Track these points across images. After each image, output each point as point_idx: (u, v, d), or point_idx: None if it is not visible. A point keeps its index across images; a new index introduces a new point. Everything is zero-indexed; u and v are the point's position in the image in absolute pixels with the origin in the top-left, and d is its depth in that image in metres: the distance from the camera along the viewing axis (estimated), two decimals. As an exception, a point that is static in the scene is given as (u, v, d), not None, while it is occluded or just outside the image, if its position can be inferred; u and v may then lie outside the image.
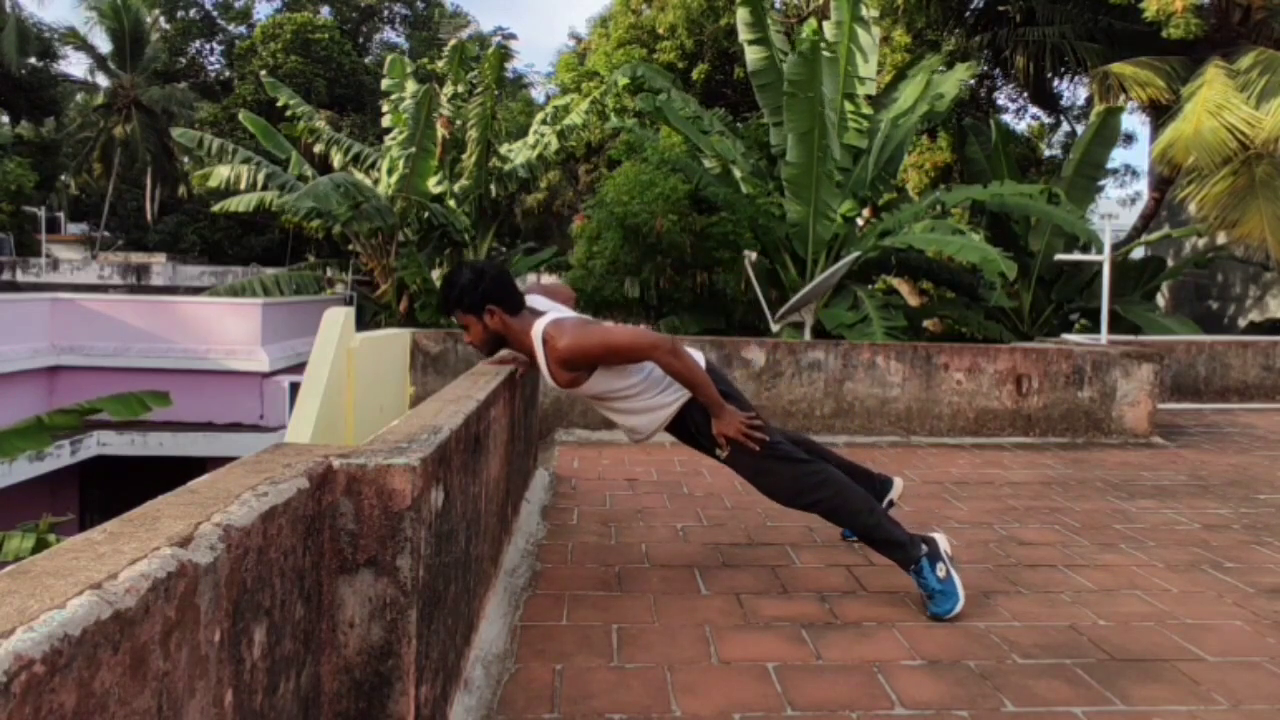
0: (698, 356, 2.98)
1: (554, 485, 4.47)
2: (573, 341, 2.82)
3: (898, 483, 3.57)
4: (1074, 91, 20.51)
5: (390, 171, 16.20)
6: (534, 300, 3.08)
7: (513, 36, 39.08)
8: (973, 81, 17.17)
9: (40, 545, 5.97)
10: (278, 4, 34.86)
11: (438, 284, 16.57)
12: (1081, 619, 2.82)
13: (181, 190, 32.73)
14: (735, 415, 2.91)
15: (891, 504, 3.49)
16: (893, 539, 2.90)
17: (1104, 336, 8.92)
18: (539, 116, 19.30)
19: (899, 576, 3.06)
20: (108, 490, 15.15)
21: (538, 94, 34.14)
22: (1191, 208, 13.75)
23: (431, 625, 1.79)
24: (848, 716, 2.17)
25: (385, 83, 17.53)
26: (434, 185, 16.71)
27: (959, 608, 2.78)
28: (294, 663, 1.40)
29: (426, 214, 15.91)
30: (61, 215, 36.24)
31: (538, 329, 2.89)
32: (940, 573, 2.82)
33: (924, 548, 2.85)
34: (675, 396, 2.98)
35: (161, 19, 35.17)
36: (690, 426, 3.04)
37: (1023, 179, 15.12)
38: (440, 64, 19.26)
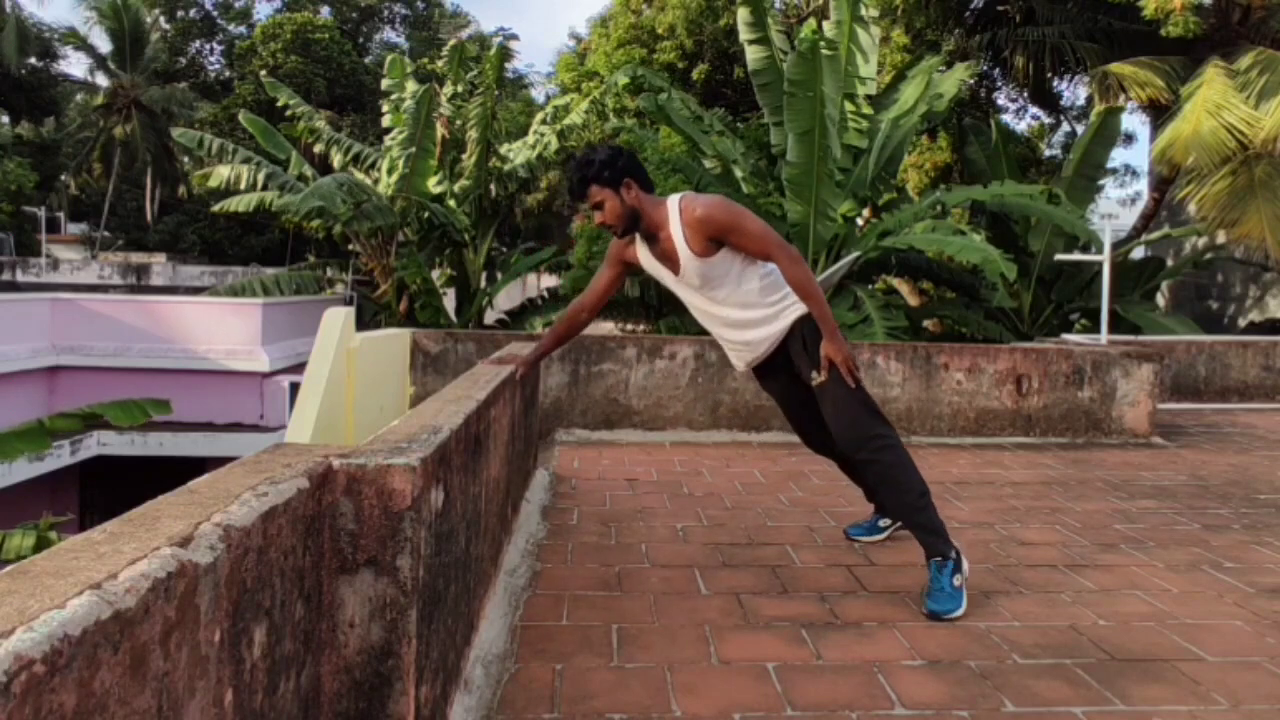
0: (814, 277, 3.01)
1: (554, 485, 4.47)
2: (708, 206, 2.91)
3: None
4: (1074, 91, 20.53)
5: (390, 171, 16.20)
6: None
7: (514, 37, 39.06)
8: (972, 81, 17.16)
9: (41, 544, 5.97)
10: (278, 4, 34.87)
11: (438, 284, 16.60)
12: (1082, 619, 2.82)
13: (181, 190, 32.72)
14: (845, 343, 2.95)
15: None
16: (931, 525, 2.92)
17: (1104, 336, 8.92)
18: (539, 116, 19.30)
19: (900, 576, 3.06)
20: (108, 490, 15.15)
21: (538, 94, 34.17)
22: (1191, 208, 13.75)
23: (431, 625, 1.79)
24: (848, 716, 2.17)
25: (385, 83, 17.53)
26: (434, 185, 16.71)
27: (958, 613, 2.79)
28: (294, 663, 1.40)
29: (426, 214, 15.91)
30: (61, 215, 36.23)
31: (673, 199, 2.98)
32: (956, 581, 2.85)
33: (954, 552, 2.88)
34: (795, 310, 3.01)
35: (161, 19, 35.16)
36: (795, 345, 3.05)
37: (1023, 179, 15.12)
38: (440, 64, 19.26)
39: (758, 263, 3.00)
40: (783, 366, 3.15)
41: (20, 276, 25.21)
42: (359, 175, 16.53)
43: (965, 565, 2.92)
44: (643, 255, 3.14)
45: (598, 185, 2.97)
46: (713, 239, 2.92)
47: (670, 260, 3.03)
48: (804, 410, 3.26)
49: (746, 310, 3.05)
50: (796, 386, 3.17)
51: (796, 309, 3.02)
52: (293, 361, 15.42)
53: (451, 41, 20.06)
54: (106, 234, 32.42)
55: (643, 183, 3.00)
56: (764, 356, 3.15)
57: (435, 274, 16.91)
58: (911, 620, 2.78)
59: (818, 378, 2.97)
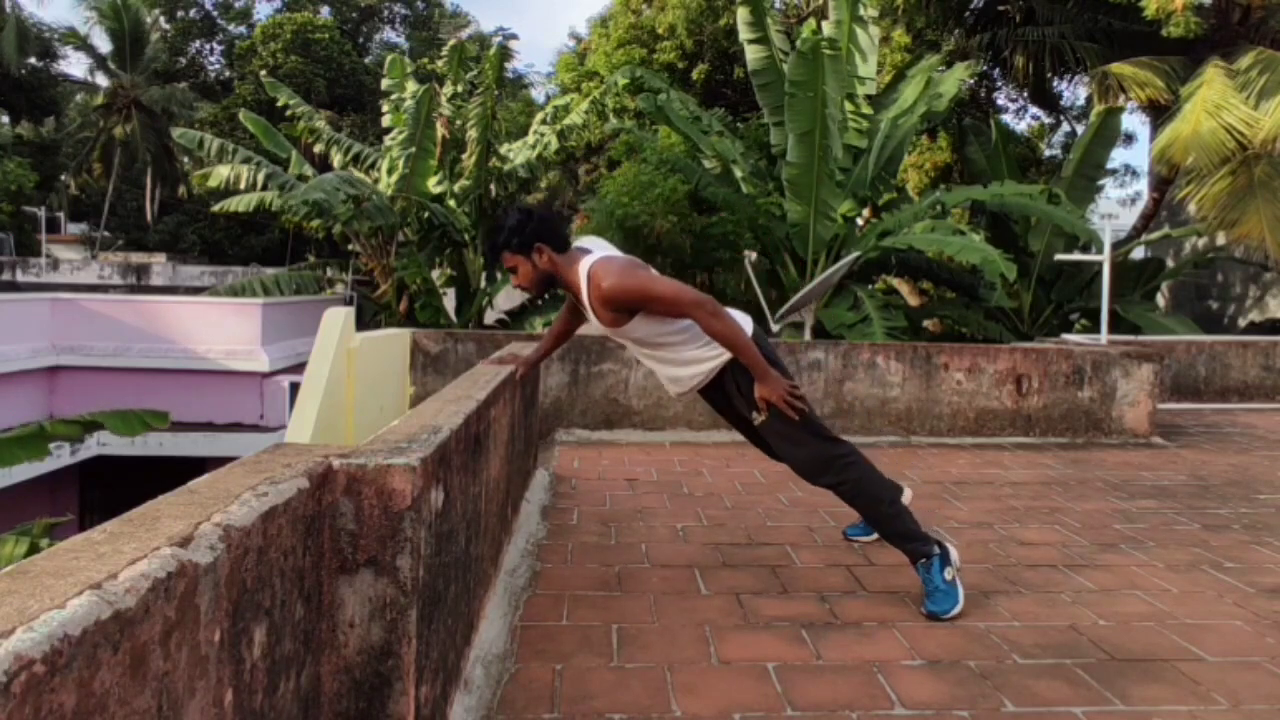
0: (744, 321, 2.96)
1: (554, 485, 4.47)
2: (616, 282, 2.83)
3: (907, 492, 3.56)
4: (1074, 91, 20.53)
5: (390, 171, 16.19)
6: (584, 241, 3.10)
7: (514, 37, 39.09)
8: (972, 81, 17.16)
9: (34, 551, 5.96)
10: (278, 4, 34.86)
11: (438, 284, 16.59)
12: (1081, 619, 2.82)
13: (181, 190, 32.70)
14: (779, 380, 2.91)
15: None
16: (907, 532, 2.91)
17: (1104, 336, 8.92)
18: (539, 116, 19.28)
19: (899, 577, 3.06)
20: (108, 490, 15.15)
21: (538, 94, 34.14)
22: (1191, 208, 13.75)
23: (431, 625, 1.79)
24: (848, 716, 2.17)
25: (385, 83, 17.52)
26: (434, 185, 16.71)
27: (956, 610, 2.79)
28: (294, 663, 1.40)
29: (426, 214, 15.90)
30: (61, 215, 36.21)
31: (584, 265, 2.91)
32: (947, 576, 2.84)
33: (937, 548, 2.87)
34: (718, 352, 2.97)
35: (161, 19, 35.14)
36: (730, 387, 3.02)
37: (1023, 179, 15.11)
38: (440, 64, 19.23)
39: (671, 319, 2.94)
40: (723, 396, 3.12)
41: (20, 276, 25.20)
42: (359, 175, 16.53)
43: (953, 554, 2.91)
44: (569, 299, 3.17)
45: (509, 252, 2.95)
46: (625, 309, 2.88)
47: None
48: (753, 433, 3.25)
49: (670, 354, 3.02)
50: (739, 414, 3.14)
51: (723, 354, 2.97)
52: (293, 361, 15.41)
53: (451, 41, 20.05)
54: (106, 234, 32.42)
55: (556, 244, 2.94)
56: (695, 391, 3.12)
57: (435, 274, 16.89)
58: (911, 620, 2.78)
59: (758, 418, 2.96)
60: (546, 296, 16.24)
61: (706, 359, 2.99)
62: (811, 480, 3.05)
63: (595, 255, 2.95)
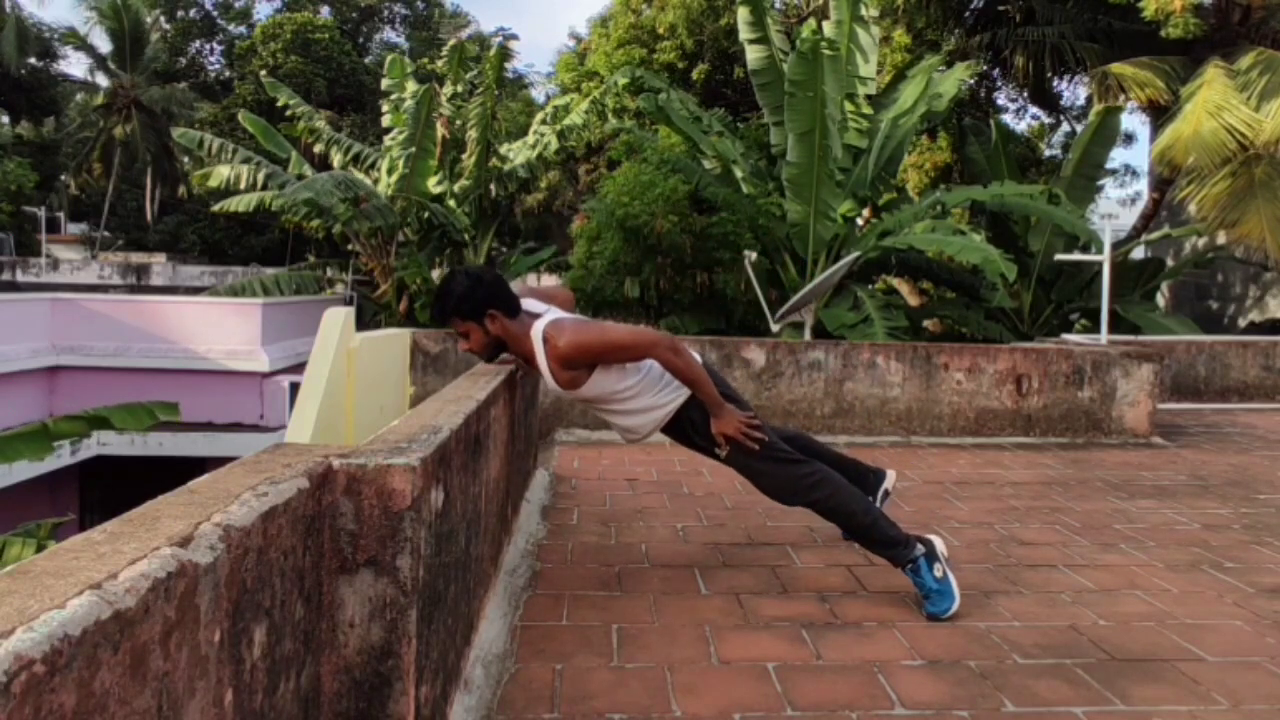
0: (695, 357, 2.97)
1: (554, 485, 4.47)
2: (573, 339, 2.82)
3: (890, 474, 3.57)
4: (1074, 91, 20.53)
5: (390, 171, 16.20)
6: (528, 304, 3.06)
7: (514, 37, 39.03)
8: (972, 81, 17.16)
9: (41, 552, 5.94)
10: (278, 4, 34.85)
11: (438, 284, 16.58)
12: (1082, 619, 2.82)
13: (181, 190, 32.70)
14: (734, 414, 2.92)
15: (887, 494, 3.49)
16: (887, 538, 2.91)
17: (1104, 336, 8.92)
18: (539, 116, 19.30)
19: (899, 576, 3.06)
20: (108, 490, 15.15)
21: (538, 94, 34.13)
22: (1191, 208, 13.74)
23: (431, 625, 1.79)
24: (848, 716, 2.17)
25: (385, 83, 17.53)
26: (434, 185, 16.71)
27: (955, 607, 2.78)
28: (294, 663, 1.40)
29: (426, 214, 15.91)
30: (61, 215, 36.21)
31: (537, 330, 2.88)
32: (937, 572, 2.83)
33: (920, 548, 2.86)
34: (673, 396, 2.98)
35: (161, 19, 35.15)
36: (687, 426, 3.04)
37: (1023, 179, 15.11)
38: (440, 64, 19.24)
39: (628, 369, 2.93)
40: (681, 433, 3.11)
41: (20, 276, 25.20)
42: (359, 175, 16.53)
43: (939, 546, 2.89)
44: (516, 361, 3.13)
45: (459, 318, 2.92)
46: (585, 365, 2.87)
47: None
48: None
49: (627, 417, 3.03)
50: (700, 445, 3.13)
51: (677, 397, 2.97)
52: (293, 361, 15.41)
53: (451, 41, 20.06)
54: (106, 234, 32.42)
55: (507, 308, 2.91)
56: (649, 436, 3.13)
57: (435, 274, 16.89)
58: (911, 620, 2.78)
59: (720, 453, 2.98)
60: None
61: (662, 405, 3.00)
62: (784, 503, 3.08)
63: (546, 318, 2.92)
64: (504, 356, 3.21)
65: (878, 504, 3.52)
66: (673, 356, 2.83)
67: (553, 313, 2.99)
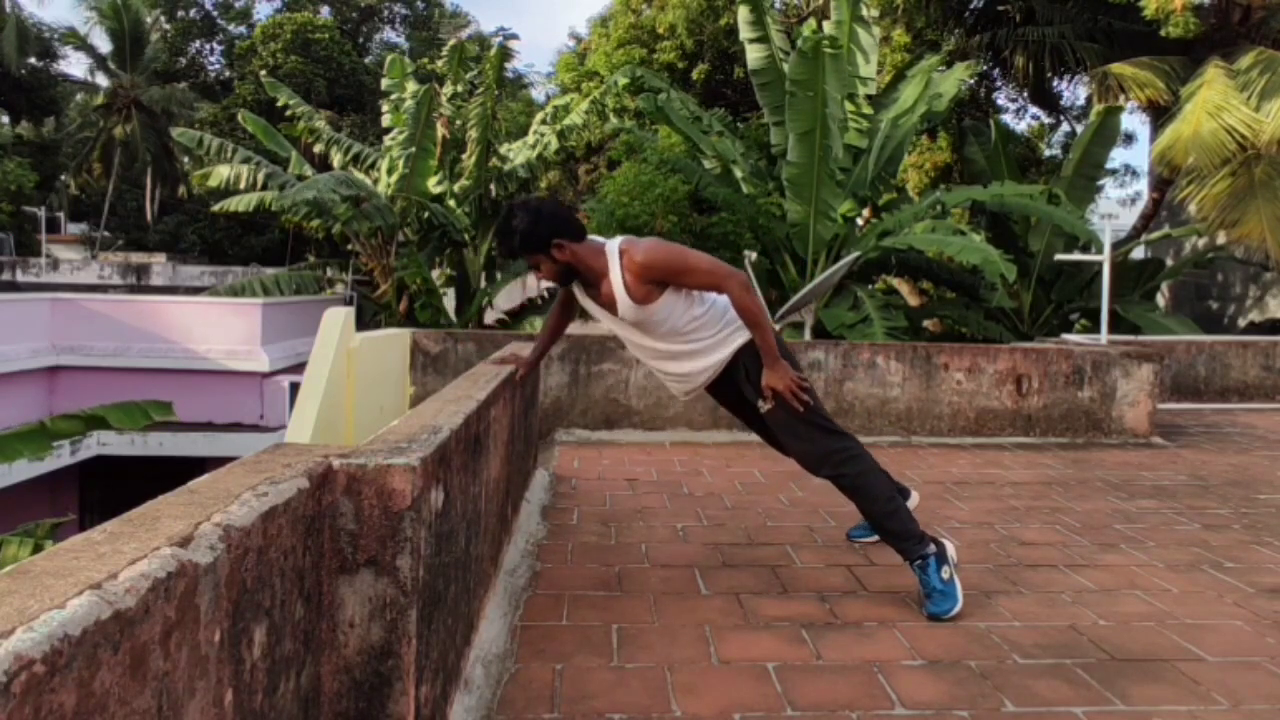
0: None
1: (554, 485, 4.47)
2: (650, 251, 2.84)
3: (915, 496, 3.55)
4: (1074, 91, 20.52)
5: (390, 171, 16.19)
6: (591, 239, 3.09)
7: (514, 37, 39.02)
8: (972, 81, 17.15)
9: (39, 552, 5.94)
10: (278, 4, 34.85)
11: (438, 284, 16.59)
12: (1082, 619, 2.82)
13: (181, 190, 32.70)
14: (788, 370, 2.91)
15: None
16: (904, 530, 2.90)
17: (1104, 336, 8.92)
18: (539, 116, 19.27)
19: (900, 577, 3.06)
20: (108, 490, 15.15)
21: (538, 94, 34.13)
22: (1191, 208, 13.74)
23: (431, 625, 1.79)
24: (848, 716, 2.17)
25: (385, 83, 17.51)
26: (434, 185, 16.70)
27: (956, 610, 2.78)
28: (294, 663, 1.40)
29: (426, 214, 15.90)
30: (61, 215, 36.21)
31: (612, 245, 2.91)
32: (945, 575, 2.83)
33: (933, 547, 2.87)
34: (734, 338, 2.97)
35: (161, 19, 35.14)
36: (739, 374, 3.02)
37: (1023, 179, 15.11)
38: (440, 64, 19.23)
39: (695, 298, 2.94)
40: (730, 387, 3.11)
41: (20, 276, 25.20)
42: (359, 175, 16.53)
43: (950, 551, 2.90)
44: (581, 298, 3.10)
45: (525, 253, 2.92)
46: (657, 282, 2.86)
47: (609, 305, 2.97)
48: (755, 422, 3.24)
49: (684, 344, 3.01)
50: (746, 403, 3.13)
51: (736, 339, 2.97)
52: (293, 361, 15.41)
53: (451, 41, 20.05)
54: (106, 234, 32.41)
55: (573, 235, 2.89)
56: (703, 387, 3.12)
57: (435, 274, 16.90)
58: (911, 620, 2.78)
59: (764, 405, 2.96)
60: (546, 295, 16.27)
61: (725, 345, 2.99)
62: (812, 471, 3.05)
63: (618, 238, 2.96)
64: (502, 356, 3.21)
65: None
66: (745, 294, 2.84)
67: (627, 239, 3.01)
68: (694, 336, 2.98)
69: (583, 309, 3.18)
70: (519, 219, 2.88)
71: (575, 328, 4.08)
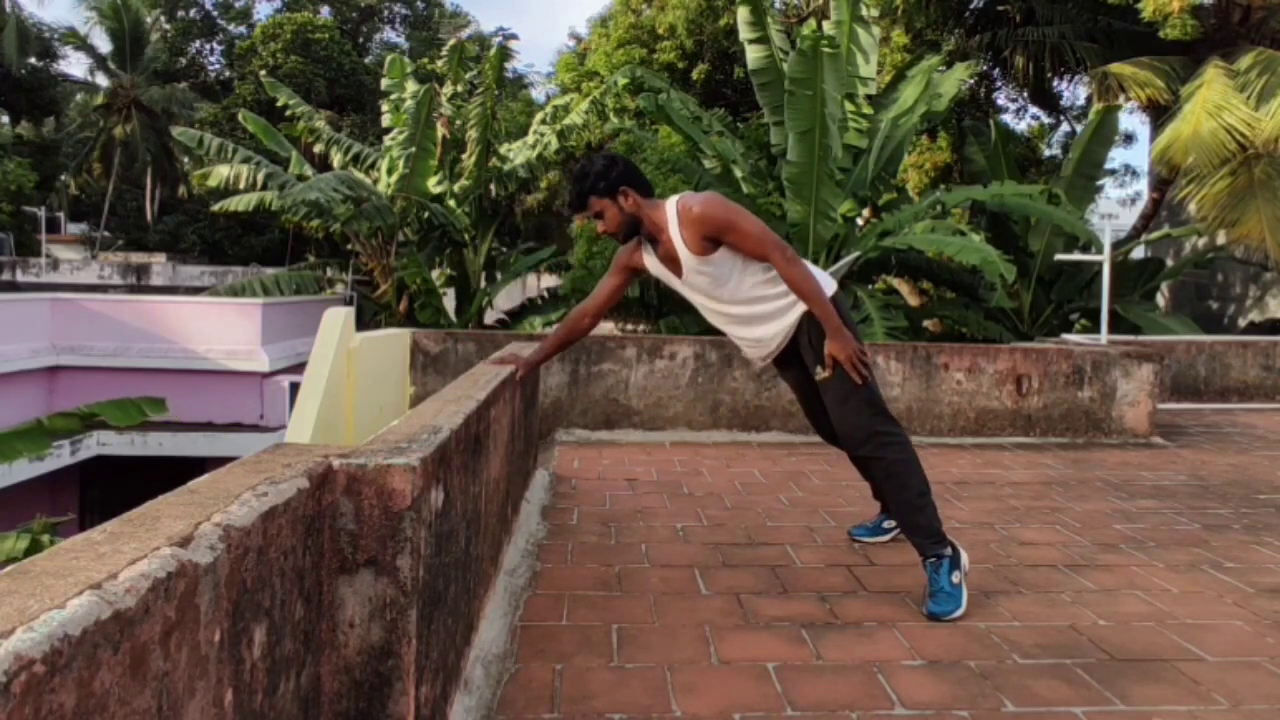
0: (825, 282, 2.97)
1: (554, 485, 4.47)
2: (705, 205, 2.92)
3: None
4: (1074, 91, 20.53)
5: (390, 171, 16.19)
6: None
7: (514, 37, 39.03)
8: (972, 81, 17.16)
9: (35, 548, 5.95)
10: (278, 4, 34.85)
11: (438, 284, 16.59)
12: (1082, 619, 2.82)
13: (181, 190, 32.70)
14: (851, 341, 2.93)
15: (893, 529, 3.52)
16: (928, 526, 2.92)
17: (1104, 336, 8.92)
18: (539, 116, 19.28)
19: (900, 576, 3.06)
20: (108, 490, 15.16)
21: (538, 94, 34.12)
22: (1191, 208, 13.74)
23: (431, 625, 1.79)
24: (848, 716, 2.17)
25: (385, 83, 17.52)
26: (434, 185, 16.71)
27: (958, 614, 2.79)
28: (294, 663, 1.40)
29: (426, 214, 15.90)
30: (61, 215, 36.21)
31: (672, 200, 3.01)
32: (955, 579, 2.84)
33: (950, 550, 2.88)
34: (802, 305, 2.99)
35: (161, 19, 35.15)
36: (803, 339, 3.05)
37: (1023, 179, 15.11)
38: (440, 64, 19.24)
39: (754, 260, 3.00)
40: (797, 357, 3.15)
41: (20, 276, 25.20)
42: (359, 175, 16.53)
43: (964, 559, 2.91)
44: (649, 260, 3.15)
45: (595, 196, 3.00)
46: (709, 238, 2.92)
47: (673, 263, 3.04)
48: (815, 401, 3.24)
49: (753, 306, 3.04)
50: (808, 378, 3.16)
51: (801, 304, 3.00)
52: (293, 361, 15.42)
53: (451, 41, 20.05)
54: (106, 234, 32.41)
55: (640, 188, 3.02)
56: (777, 351, 3.15)
57: (435, 274, 16.89)
58: (911, 620, 2.78)
59: (821, 373, 2.97)
60: (546, 295, 16.26)
61: (789, 311, 3.02)
62: (853, 449, 3.08)
63: (680, 194, 3.04)
64: (501, 356, 3.21)
65: (885, 526, 3.55)
66: (791, 266, 2.88)
67: (686, 193, 3.10)
68: (760, 297, 3.02)
69: (640, 278, 3.23)
70: (595, 162, 3.04)
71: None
